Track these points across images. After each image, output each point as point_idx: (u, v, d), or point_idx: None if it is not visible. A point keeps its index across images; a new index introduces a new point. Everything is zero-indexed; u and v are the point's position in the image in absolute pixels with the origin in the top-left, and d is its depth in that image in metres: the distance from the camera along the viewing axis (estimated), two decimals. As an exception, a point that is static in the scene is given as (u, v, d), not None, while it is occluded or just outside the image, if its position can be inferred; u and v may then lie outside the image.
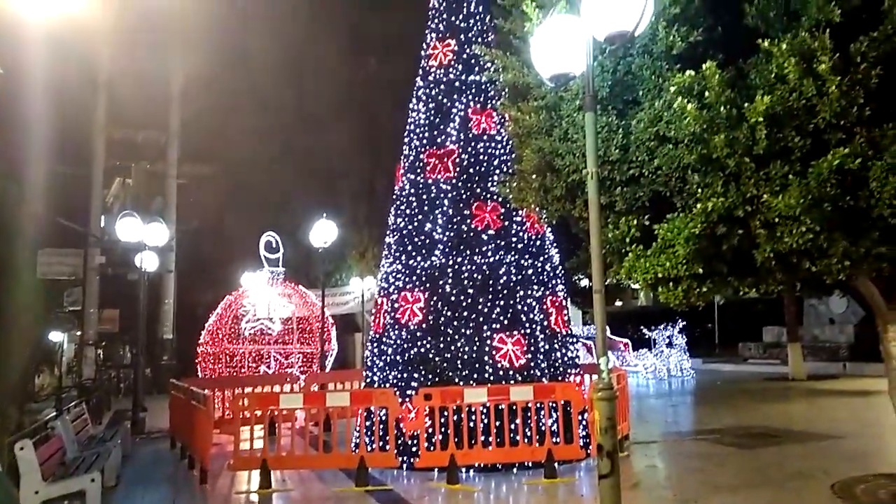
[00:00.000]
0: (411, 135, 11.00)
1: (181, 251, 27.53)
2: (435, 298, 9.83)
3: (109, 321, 28.39)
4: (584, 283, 26.23)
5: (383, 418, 9.36)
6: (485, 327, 9.55)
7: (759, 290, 6.56)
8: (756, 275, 6.15)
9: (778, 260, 5.61)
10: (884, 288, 6.86)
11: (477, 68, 10.71)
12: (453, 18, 11.03)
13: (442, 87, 10.89)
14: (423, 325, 9.76)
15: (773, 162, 5.22)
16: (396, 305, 10.08)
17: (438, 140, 10.67)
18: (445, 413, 8.82)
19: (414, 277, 10.09)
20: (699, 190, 5.65)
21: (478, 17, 11.06)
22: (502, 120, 10.06)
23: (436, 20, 11.21)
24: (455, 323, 9.62)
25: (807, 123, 5.10)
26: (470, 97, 10.76)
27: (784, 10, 5.45)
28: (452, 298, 9.75)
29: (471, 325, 9.58)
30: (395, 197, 10.96)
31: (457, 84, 10.83)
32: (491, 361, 9.39)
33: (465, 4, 11.05)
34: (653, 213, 6.29)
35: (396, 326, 9.98)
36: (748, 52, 5.55)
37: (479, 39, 10.87)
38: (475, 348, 9.47)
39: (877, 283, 6.79)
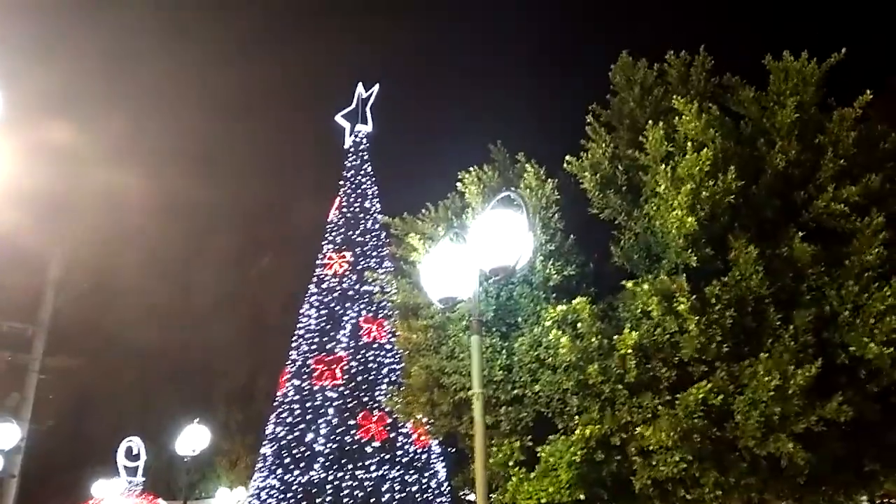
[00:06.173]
0: (300, 339, 10.92)
1: (30, 452, 24.52)
2: (311, 519, 9.14)
3: (-74, 537, 24.10)
4: (472, 497, 25.27)
5: None
6: (363, 553, 8.88)
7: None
8: (635, 501, 6.19)
9: (655, 486, 5.72)
10: (754, 515, 7.04)
11: (371, 279, 11.04)
12: (350, 233, 11.56)
13: (335, 294, 11.09)
14: (296, 550, 8.95)
15: (643, 392, 5.51)
16: (268, 526, 9.27)
17: (328, 346, 10.63)
18: None
19: (289, 494, 9.43)
20: (578, 415, 5.82)
21: (373, 234, 11.65)
22: (393, 329, 10.21)
23: (333, 233, 11.69)
24: (331, 548, 8.90)
25: (672, 356, 5.50)
26: (362, 306, 10.98)
27: (646, 252, 6.09)
28: (330, 519, 9.11)
29: (348, 550, 8.89)
30: (276, 403, 10.58)
31: (350, 293, 11.07)
32: None
33: (362, 222, 11.65)
34: (536, 434, 6.36)
35: (266, 551, 9.10)
36: (617, 287, 6.07)
37: (374, 254, 11.37)
38: (351, 578, 8.70)
39: (748, 511, 6.97)
